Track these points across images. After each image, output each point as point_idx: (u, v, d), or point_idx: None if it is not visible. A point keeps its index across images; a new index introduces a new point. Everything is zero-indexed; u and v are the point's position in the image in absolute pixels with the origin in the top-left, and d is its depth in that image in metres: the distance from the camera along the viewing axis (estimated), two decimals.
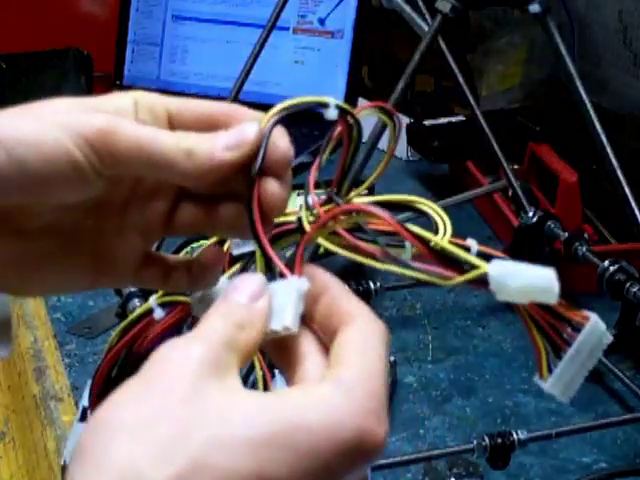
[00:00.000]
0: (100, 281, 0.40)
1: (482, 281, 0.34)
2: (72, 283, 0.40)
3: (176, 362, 0.32)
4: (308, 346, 0.35)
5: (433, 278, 0.34)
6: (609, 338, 0.34)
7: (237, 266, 0.40)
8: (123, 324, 0.46)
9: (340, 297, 0.36)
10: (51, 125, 0.35)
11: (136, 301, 0.76)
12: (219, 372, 0.32)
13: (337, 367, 0.34)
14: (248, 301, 0.35)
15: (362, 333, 0.35)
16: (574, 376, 0.35)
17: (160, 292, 0.44)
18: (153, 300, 0.44)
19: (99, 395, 0.47)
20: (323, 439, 0.31)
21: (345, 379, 0.33)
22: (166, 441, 0.30)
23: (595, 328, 0.34)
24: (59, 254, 0.39)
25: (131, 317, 0.45)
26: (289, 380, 0.35)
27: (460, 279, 0.34)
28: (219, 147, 0.37)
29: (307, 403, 0.32)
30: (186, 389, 0.31)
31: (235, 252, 0.41)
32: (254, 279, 0.36)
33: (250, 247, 0.40)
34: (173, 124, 0.41)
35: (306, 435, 0.31)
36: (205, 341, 0.33)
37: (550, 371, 0.35)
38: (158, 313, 0.44)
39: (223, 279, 0.40)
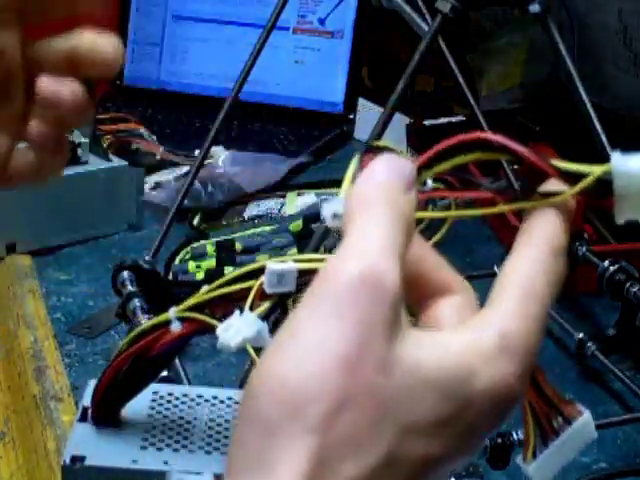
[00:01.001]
0: None
1: (605, 185, 0.32)
2: None
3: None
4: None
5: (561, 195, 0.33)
6: (594, 436, 0.35)
7: (267, 304, 0.38)
8: (136, 331, 0.45)
9: None
10: None
11: (136, 301, 0.76)
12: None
13: (498, 312, 0.32)
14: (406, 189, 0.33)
15: (538, 271, 0.33)
16: (555, 464, 0.35)
17: (181, 306, 0.43)
18: (172, 312, 0.43)
19: (102, 400, 0.47)
20: (487, 397, 0.31)
21: (509, 335, 0.32)
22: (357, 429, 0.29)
23: (585, 424, 0.35)
24: None
25: (145, 326, 0.44)
26: (419, 312, 0.34)
27: (585, 182, 0.33)
28: None
29: (475, 352, 0.31)
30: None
31: (269, 290, 0.38)
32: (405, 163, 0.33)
33: (285, 288, 0.38)
34: None
35: (471, 391, 0.31)
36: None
37: (534, 456, 0.35)
38: (176, 326, 0.42)
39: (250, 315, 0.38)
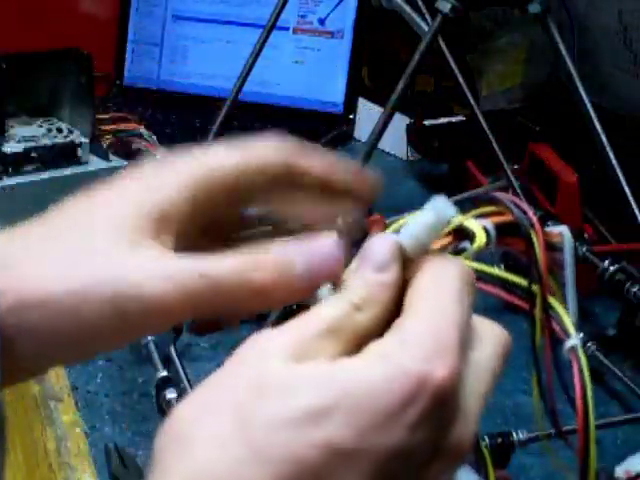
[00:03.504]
0: None
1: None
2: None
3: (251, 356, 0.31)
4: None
5: None
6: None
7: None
8: None
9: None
10: (155, 273, 0.32)
11: None
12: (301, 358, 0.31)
13: (401, 317, 0.32)
14: (373, 273, 0.33)
15: (431, 276, 0.33)
16: None
17: None
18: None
19: None
20: (382, 392, 0.30)
21: (403, 326, 0.32)
22: (227, 432, 0.29)
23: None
24: None
25: None
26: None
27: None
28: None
29: (365, 364, 0.31)
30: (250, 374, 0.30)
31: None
32: (384, 243, 0.33)
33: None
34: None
35: (365, 392, 0.30)
36: (292, 330, 0.31)
37: None
38: None
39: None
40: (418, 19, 1.08)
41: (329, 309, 0.32)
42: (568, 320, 0.33)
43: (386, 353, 0.31)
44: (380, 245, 0.33)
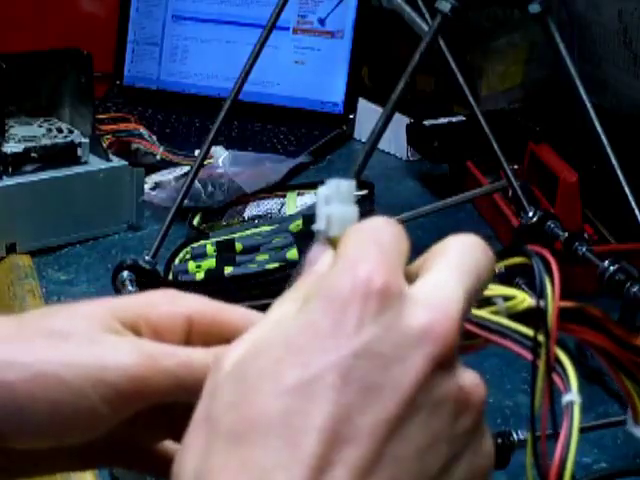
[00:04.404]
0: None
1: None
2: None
3: None
4: None
5: None
6: None
7: None
8: None
9: None
10: (68, 373, 0.33)
11: None
12: None
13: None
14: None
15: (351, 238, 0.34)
16: None
17: None
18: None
19: None
20: (319, 300, 0.31)
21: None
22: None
23: None
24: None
25: None
26: None
27: None
28: None
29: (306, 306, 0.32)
30: None
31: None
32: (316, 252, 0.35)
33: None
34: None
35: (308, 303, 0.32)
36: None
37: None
38: None
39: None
40: (418, 19, 1.08)
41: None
42: (573, 374, 0.32)
43: (321, 287, 0.32)
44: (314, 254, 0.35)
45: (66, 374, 0.33)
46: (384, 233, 0.33)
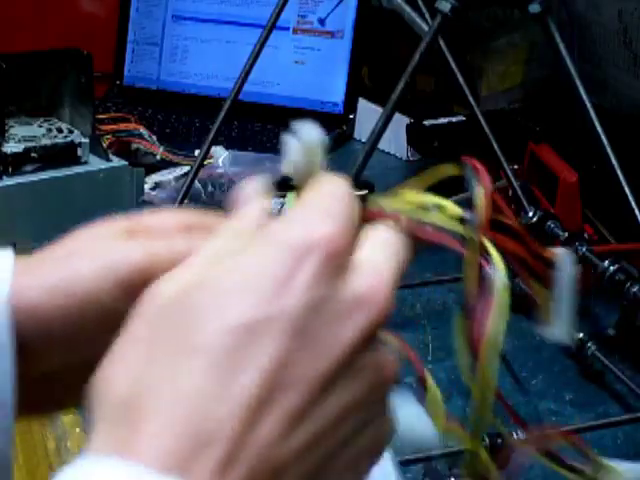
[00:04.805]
0: None
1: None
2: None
3: None
4: None
5: None
6: (574, 267, 0.37)
7: None
8: None
9: None
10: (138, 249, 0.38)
11: None
12: None
13: None
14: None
15: (313, 189, 0.36)
16: (568, 313, 0.37)
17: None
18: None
19: None
20: (272, 264, 0.32)
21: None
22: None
23: (566, 261, 0.38)
24: None
25: None
26: None
27: None
28: None
29: (253, 248, 0.34)
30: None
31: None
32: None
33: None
34: None
35: (255, 270, 0.33)
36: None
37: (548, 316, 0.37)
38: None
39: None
40: (418, 19, 1.08)
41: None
42: (498, 258, 0.35)
43: (270, 232, 0.34)
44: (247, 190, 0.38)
45: (84, 282, 0.37)
46: (347, 197, 0.36)
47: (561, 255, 0.37)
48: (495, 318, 0.36)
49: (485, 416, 0.37)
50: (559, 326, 0.38)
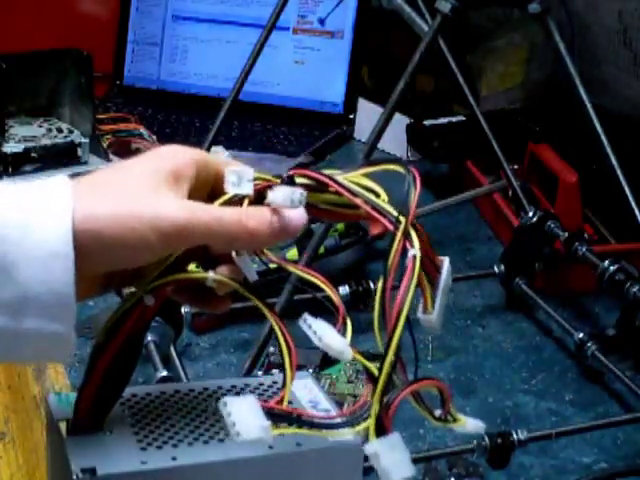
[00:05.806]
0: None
1: None
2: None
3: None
4: None
5: None
6: (450, 280, 0.45)
7: None
8: (110, 321, 0.47)
9: None
10: (176, 205, 0.45)
11: None
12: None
13: None
14: None
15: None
16: (443, 306, 0.46)
17: (144, 281, 0.48)
18: (141, 288, 0.48)
19: (96, 400, 0.47)
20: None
21: None
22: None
23: (448, 268, 0.45)
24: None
25: (124, 307, 0.47)
26: None
27: None
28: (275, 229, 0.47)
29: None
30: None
31: (230, 190, 0.47)
32: None
33: (243, 190, 0.47)
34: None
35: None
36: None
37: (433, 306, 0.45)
38: (148, 300, 0.47)
39: None
40: (418, 19, 1.09)
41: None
42: (415, 237, 0.44)
43: None
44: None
45: (134, 223, 0.44)
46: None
47: (445, 262, 0.45)
48: (408, 282, 0.43)
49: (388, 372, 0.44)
50: (437, 316, 0.45)
